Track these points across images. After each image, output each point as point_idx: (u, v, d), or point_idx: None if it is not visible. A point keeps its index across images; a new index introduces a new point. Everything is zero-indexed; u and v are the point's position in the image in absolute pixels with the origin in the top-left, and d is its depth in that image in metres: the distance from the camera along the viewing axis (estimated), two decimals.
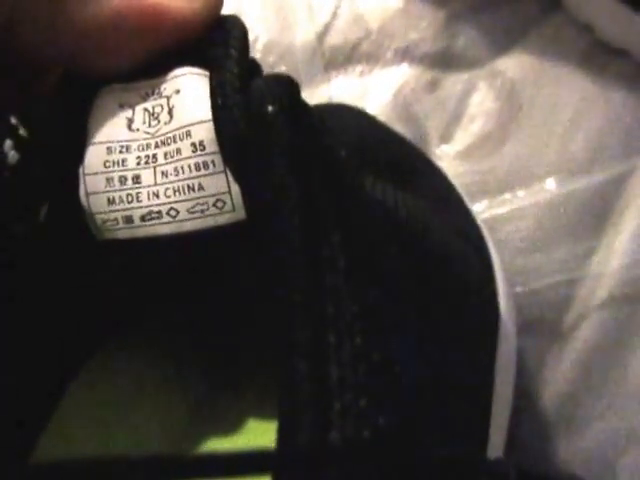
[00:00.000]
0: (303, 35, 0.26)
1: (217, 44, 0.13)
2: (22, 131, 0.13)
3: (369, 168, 0.17)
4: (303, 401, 0.10)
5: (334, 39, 0.26)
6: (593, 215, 0.22)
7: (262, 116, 0.11)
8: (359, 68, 0.26)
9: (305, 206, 0.11)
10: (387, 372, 0.11)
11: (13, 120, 0.13)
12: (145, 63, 0.13)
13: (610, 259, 0.22)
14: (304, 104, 0.12)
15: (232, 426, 0.16)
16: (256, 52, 0.26)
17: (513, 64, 0.24)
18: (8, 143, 0.13)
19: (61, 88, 0.13)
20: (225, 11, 0.14)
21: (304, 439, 0.10)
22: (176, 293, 0.16)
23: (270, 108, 0.11)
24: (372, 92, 0.25)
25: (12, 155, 0.13)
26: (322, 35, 0.26)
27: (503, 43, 0.25)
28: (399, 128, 0.24)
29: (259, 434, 0.16)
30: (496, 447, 0.16)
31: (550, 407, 0.21)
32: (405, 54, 0.25)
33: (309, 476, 0.10)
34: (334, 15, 0.26)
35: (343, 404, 0.10)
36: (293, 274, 0.11)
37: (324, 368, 0.10)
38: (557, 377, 0.21)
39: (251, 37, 0.26)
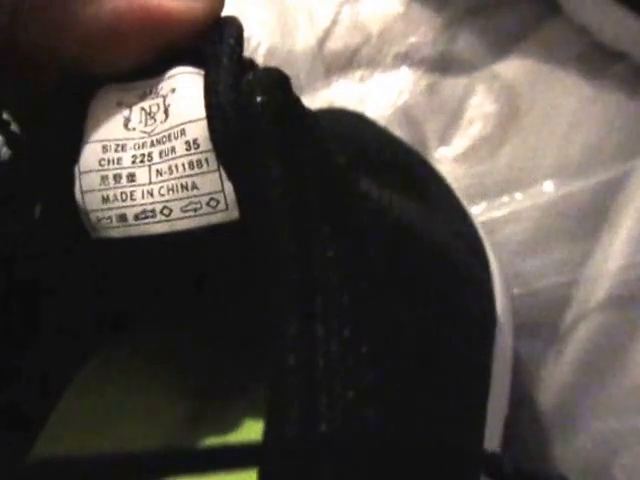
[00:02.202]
0: (304, 40, 0.26)
1: (213, 43, 0.13)
2: (14, 127, 0.13)
3: (367, 171, 0.17)
4: (290, 393, 0.10)
5: (334, 44, 0.26)
6: (591, 217, 0.22)
7: (251, 107, 0.11)
8: (359, 73, 0.26)
9: (295, 199, 0.11)
10: (376, 365, 0.11)
11: (5, 116, 0.13)
12: (145, 64, 0.13)
13: (607, 261, 0.22)
14: (294, 96, 0.12)
15: (231, 426, 0.16)
16: (258, 57, 0.26)
17: (511, 68, 0.24)
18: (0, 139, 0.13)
19: (59, 86, 0.13)
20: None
21: (292, 431, 0.10)
22: (173, 292, 0.16)
23: (259, 99, 0.11)
24: (372, 96, 0.25)
25: (4, 152, 0.13)
26: (322, 40, 0.26)
27: (501, 47, 0.25)
28: (399, 131, 0.24)
29: (258, 434, 0.16)
30: (492, 446, 0.16)
31: (547, 407, 0.21)
32: (405, 58, 0.25)
33: (296, 468, 0.10)
34: (334, 20, 0.26)
35: (331, 396, 0.10)
36: (283, 266, 0.11)
37: (312, 360, 0.10)
38: (555, 378, 0.21)
39: (253, 43, 0.27)
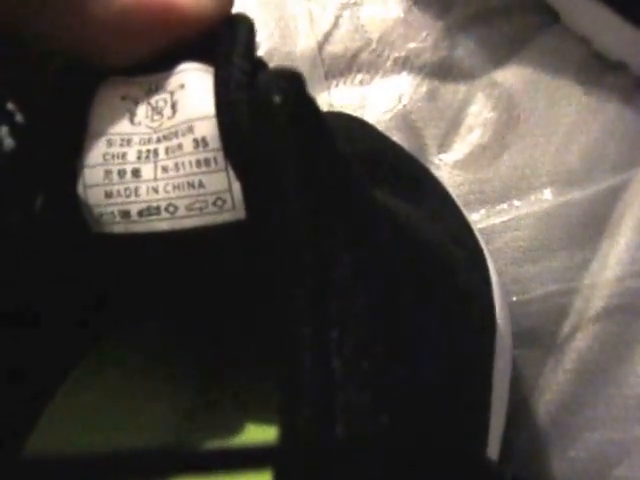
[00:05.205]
0: (304, 43, 0.26)
1: (223, 40, 0.13)
2: (19, 117, 0.13)
3: (368, 176, 0.17)
4: (306, 395, 0.10)
5: (334, 48, 0.26)
6: (589, 226, 0.22)
7: (268, 106, 0.11)
8: (359, 77, 0.26)
9: (312, 201, 0.11)
10: (390, 368, 0.11)
11: (10, 106, 0.13)
12: (152, 59, 0.13)
13: (605, 270, 0.22)
14: (309, 96, 0.12)
15: (230, 427, 0.16)
16: None
17: (511, 75, 0.24)
18: (4, 129, 0.12)
19: (64, 78, 0.13)
20: None
21: (307, 433, 0.10)
22: (175, 290, 0.16)
23: (277, 98, 0.11)
24: (372, 101, 0.25)
25: (8, 142, 0.13)
26: (322, 44, 0.26)
27: (501, 54, 0.25)
28: (398, 137, 0.24)
29: (259, 436, 0.16)
30: (491, 454, 0.16)
31: (545, 417, 0.21)
32: (405, 64, 0.25)
33: (311, 470, 0.10)
34: (335, 24, 0.26)
35: (347, 399, 0.10)
36: (298, 268, 0.11)
37: (327, 362, 0.10)
38: (552, 387, 0.21)
39: None
